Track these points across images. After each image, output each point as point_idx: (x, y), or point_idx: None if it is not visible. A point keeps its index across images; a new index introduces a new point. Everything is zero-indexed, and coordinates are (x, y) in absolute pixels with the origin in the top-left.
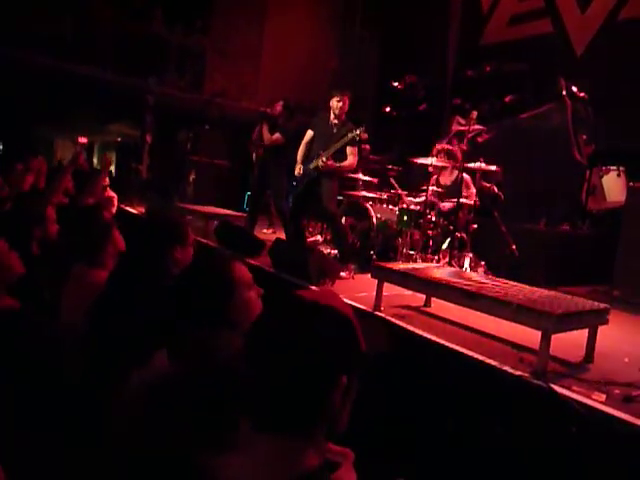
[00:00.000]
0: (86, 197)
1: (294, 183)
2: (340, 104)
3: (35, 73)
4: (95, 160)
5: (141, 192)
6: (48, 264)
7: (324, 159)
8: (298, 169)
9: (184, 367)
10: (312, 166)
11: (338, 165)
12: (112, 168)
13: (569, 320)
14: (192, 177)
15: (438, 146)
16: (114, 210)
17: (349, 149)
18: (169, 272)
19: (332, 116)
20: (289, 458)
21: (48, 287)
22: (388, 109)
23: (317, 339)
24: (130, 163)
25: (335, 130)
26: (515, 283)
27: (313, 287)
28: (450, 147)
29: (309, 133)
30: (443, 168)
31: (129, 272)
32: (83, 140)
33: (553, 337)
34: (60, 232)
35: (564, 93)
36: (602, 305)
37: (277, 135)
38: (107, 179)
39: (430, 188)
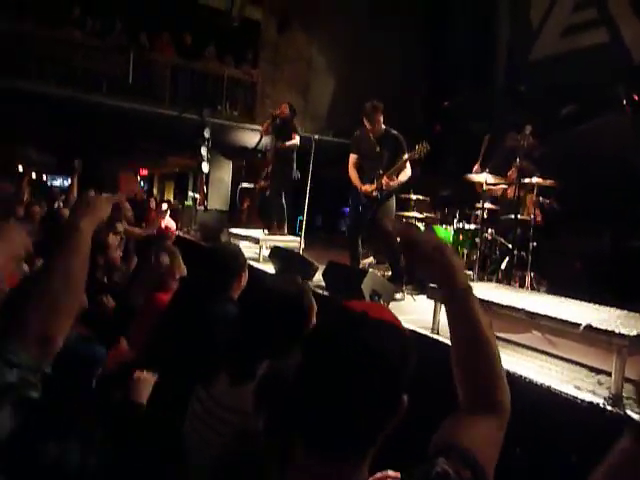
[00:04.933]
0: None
1: (356, 206)
2: (377, 117)
3: (100, 113)
4: (155, 190)
5: (198, 220)
6: (112, 290)
7: (385, 180)
8: (364, 192)
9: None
10: (373, 188)
11: (398, 182)
12: (170, 197)
13: None
14: (247, 204)
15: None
16: (173, 237)
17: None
18: (232, 298)
19: (370, 132)
20: (344, 478)
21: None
22: (438, 127)
23: (384, 360)
24: (187, 192)
25: (379, 147)
26: (581, 302)
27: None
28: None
29: (353, 156)
30: (504, 185)
31: (194, 296)
32: (144, 172)
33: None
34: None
35: (624, 102)
36: None
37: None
38: (167, 208)
39: (486, 205)
